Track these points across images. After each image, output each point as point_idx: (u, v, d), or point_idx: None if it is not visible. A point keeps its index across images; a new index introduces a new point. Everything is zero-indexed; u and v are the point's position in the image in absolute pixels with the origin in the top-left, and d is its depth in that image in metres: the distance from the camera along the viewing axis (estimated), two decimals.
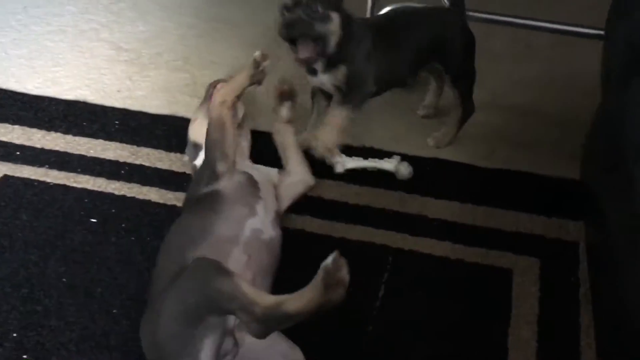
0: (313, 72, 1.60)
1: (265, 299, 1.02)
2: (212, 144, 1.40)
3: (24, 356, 1.25)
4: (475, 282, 1.42)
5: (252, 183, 1.40)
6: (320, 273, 1.01)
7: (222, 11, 2.34)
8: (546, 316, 1.35)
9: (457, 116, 1.75)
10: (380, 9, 1.98)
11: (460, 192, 1.62)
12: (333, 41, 1.53)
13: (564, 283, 1.41)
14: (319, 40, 1.51)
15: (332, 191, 1.62)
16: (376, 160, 1.66)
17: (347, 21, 1.55)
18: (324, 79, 1.60)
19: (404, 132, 1.82)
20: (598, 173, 1.34)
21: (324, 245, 1.33)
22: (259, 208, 1.35)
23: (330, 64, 1.57)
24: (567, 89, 1.96)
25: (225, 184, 1.36)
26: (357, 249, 1.46)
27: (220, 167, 1.37)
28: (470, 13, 1.96)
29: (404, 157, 1.67)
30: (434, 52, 1.69)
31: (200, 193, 1.36)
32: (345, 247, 1.45)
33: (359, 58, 1.58)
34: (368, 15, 1.99)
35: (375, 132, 1.79)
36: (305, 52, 1.51)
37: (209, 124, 1.42)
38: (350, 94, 1.59)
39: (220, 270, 1.06)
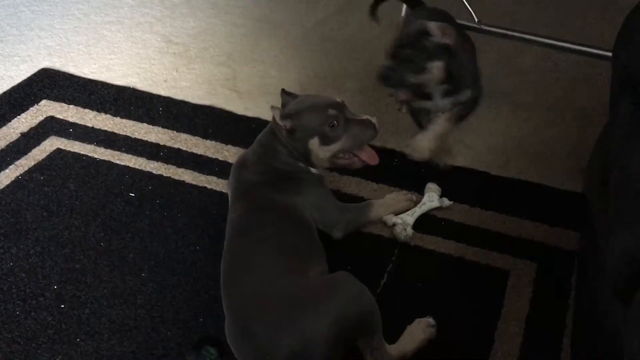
0: (427, 96, 1.67)
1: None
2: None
3: (62, 306, 1.42)
4: (473, 279, 1.52)
5: None
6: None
7: (267, 12, 2.49)
8: (535, 315, 1.44)
9: None
10: None
11: (470, 197, 1.72)
12: (434, 85, 1.60)
13: (556, 287, 1.50)
14: (416, 86, 1.58)
15: (351, 186, 1.74)
16: (425, 203, 1.67)
17: (456, 60, 1.60)
18: (441, 103, 1.69)
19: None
20: (594, 188, 1.43)
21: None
22: None
23: (450, 92, 1.66)
24: (588, 109, 2.03)
25: None
26: (367, 240, 1.59)
27: None
28: (502, 30, 2.05)
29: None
30: None
31: None
32: (357, 238, 1.59)
33: (475, 80, 1.70)
34: None
35: (400, 135, 1.89)
36: (403, 96, 1.62)
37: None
38: (462, 109, 1.69)
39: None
